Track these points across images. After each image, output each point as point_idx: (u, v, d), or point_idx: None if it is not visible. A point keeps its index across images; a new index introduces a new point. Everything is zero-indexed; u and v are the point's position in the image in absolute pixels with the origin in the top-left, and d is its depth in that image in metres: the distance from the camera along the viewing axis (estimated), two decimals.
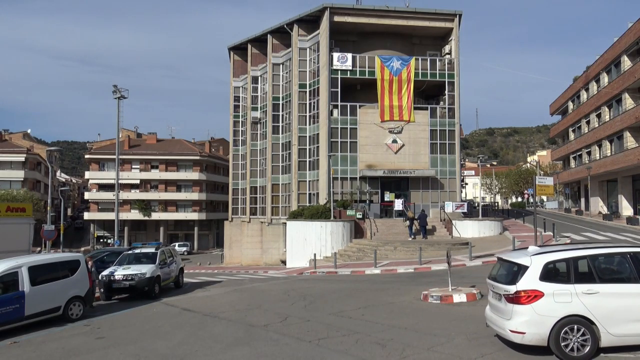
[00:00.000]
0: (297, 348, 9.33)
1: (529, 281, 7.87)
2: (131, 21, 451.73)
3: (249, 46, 47.75)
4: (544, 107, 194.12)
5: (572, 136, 52.37)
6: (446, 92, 38.08)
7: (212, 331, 11.30)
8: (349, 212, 32.89)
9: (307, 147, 40.17)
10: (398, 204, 34.00)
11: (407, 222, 31.16)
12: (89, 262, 16.43)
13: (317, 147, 38.93)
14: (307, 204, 37.93)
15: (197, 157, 71.88)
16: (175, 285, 21.09)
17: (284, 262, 36.03)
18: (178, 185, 72.15)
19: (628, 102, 37.16)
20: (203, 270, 39.63)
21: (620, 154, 37.62)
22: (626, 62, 37.84)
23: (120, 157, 46.74)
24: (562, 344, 7.58)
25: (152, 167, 71.05)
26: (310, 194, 39.55)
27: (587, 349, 7.56)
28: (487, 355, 8.28)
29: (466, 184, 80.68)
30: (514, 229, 32.39)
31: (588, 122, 46.73)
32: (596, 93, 43.91)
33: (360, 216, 32.84)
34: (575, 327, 7.60)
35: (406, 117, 36.70)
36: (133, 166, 70.39)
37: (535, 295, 7.74)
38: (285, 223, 35.00)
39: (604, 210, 42.27)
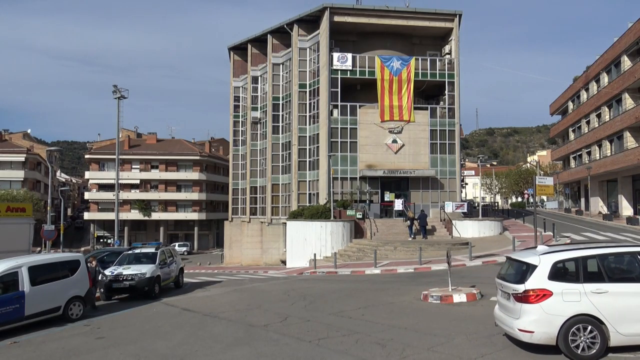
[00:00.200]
0: (297, 348, 9.33)
1: (538, 280, 7.88)
2: (131, 21, 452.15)
3: (249, 46, 47.75)
4: (544, 107, 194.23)
5: (572, 136, 52.37)
6: (446, 92, 38.08)
7: (212, 331, 11.30)
8: (349, 212, 32.89)
9: (307, 147, 40.17)
10: (398, 204, 33.99)
11: (407, 222, 31.15)
12: (94, 262, 16.42)
13: (317, 147, 38.93)
14: (307, 204, 37.93)
15: (197, 157, 71.89)
16: (175, 285, 21.09)
17: (284, 262, 36.03)
18: (178, 185, 72.16)
19: (628, 102, 37.16)
20: (203, 270, 39.63)
21: (620, 154, 37.62)
22: (626, 62, 37.84)
23: (120, 157, 46.75)
24: (571, 343, 7.58)
25: (152, 167, 71.06)
26: (310, 194, 39.55)
27: (596, 348, 7.56)
28: (487, 355, 8.28)
29: (466, 184, 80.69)
30: (514, 229, 32.39)
31: (588, 122, 46.73)
32: (596, 93, 43.91)
33: (360, 216, 32.84)
34: (584, 326, 7.61)
35: (406, 117, 36.70)
36: (133, 166, 70.40)
37: (544, 295, 7.76)
38: (285, 223, 35.00)
39: (604, 210, 42.26)
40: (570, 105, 53.25)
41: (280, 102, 44.29)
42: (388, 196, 35.69)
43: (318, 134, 38.86)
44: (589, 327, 7.60)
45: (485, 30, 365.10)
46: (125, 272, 17.86)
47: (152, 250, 19.80)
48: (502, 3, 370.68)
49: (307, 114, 40.42)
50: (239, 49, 49.91)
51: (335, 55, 36.87)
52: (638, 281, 7.94)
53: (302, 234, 31.12)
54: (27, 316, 12.75)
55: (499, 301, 8.90)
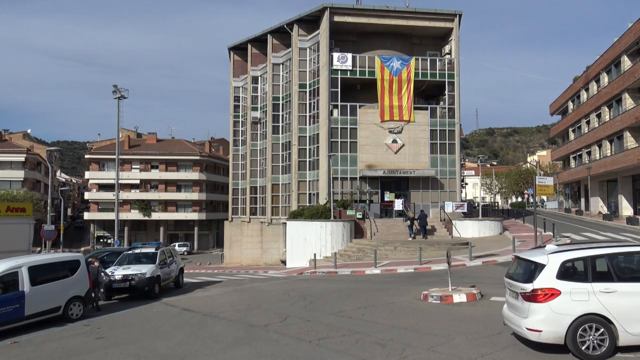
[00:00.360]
0: (297, 348, 9.33)
1: (546, 279, 7.90)
2: (131, 21, 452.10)
3: (249, 46, 47.75)
4: (544, 107, 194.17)
5: (572, 136, 52.36)
6: (446, 92, 38.09)
7: (212, 331, 11.30)
8: (349, 212, 32.89)
9: (307, 147, 40.17)
10: (398, 204, 33.99)
11: (407, 222, 31.16)
12: (96, 263, 16.44)
13: (317, 147, 38.94)
14: (307, 204, 37.93)
15: (197, 157, 71.89)
16: (175, 285, 21.09)
17: (284, 262, 36.03)
18: (178, 185, 72.16)
19: (628, 102, 37.15)
20: (203, 270, 39.63)
21: (620, 154, 37.62)
22: (626, 62, 37.84)
23: (120, 157, 46.75)
24: (579, 342, 7.59)
25: (152, 167, 71.06)
26: (310, 194, 39.55)
27: (605, 347, 7.56)
28: (487, 355, 8.28)
29: (466, 184, 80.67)
30: (514, 229, 32.39)
31: (588, 122, 46.73)
32: (596, 93, 43.91)
33: (360, 216, 32.84)
34: (593, 325, 7.61)
35: (406, 117, 36.70)
36: (133, 166, 70.40)
37: (552, 294, 7.77)
38: (285, 223, 35.00)
39: (604, 210, 42.25)
40: (570, 105, 53.25)
41: (280, 102, 44.29)
42: (388, 196, 35.69)
43: (318, 134, 38.87)
44: (598, 327, 7.60)
45: (485, 30, 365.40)
46: (125, 272, 17.86)
47: (152, 250, 19.80)
48: (502, 3, 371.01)
49: (307, 114, 40.43)
50: (239, 49, 49.92)
51: (335, 55, 36.87)
52: None
53: (302, 234, 31.12)
54: (27, 316, 12.75)
55: (508, 300, 8.92)
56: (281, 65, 44.37)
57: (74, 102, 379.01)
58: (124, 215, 65.06)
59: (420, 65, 37.70)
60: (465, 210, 34.53)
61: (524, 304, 8.03)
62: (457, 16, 38.17)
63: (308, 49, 40.90)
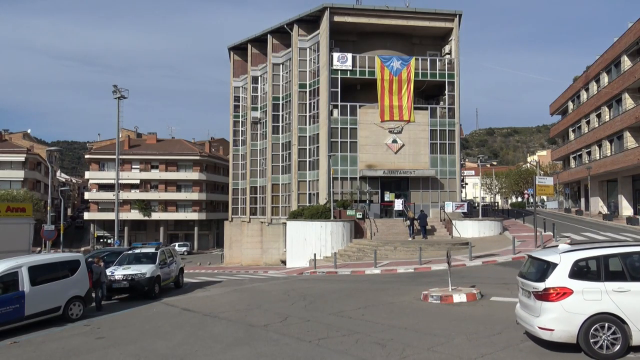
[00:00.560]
0: (297, 348, 9.33)
1: (558, 278, 7.91)
2: (131, 21, 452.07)
3: (249, 46, 47.75)
4: (544, 107, 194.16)
5: (572, 136, 52.36)
6: (446, 92, 38.08)
7: (212, 331, 11.30)
8: (349, 212, 32.89)
9: (307, 147, 40.17)
10: (398, 204, 33.98)
11: (407, 222, 31.16)
12: (101, 263, 16.40)
13: (317, 147, 38.94)
14: (307, 204, 37.93)
15: (197, 157, 71.89)
16: (175, 285, 21.09)
17: (284, 262, 36.03)
18: (178, 185, 72.16)
19: (628, 102, 37.15)
20: (203, 270, 39.63)
21: (620, 154, 37.62)
22: (626, 62, 37.84)
23: (120, 157, 46.75)
24: (592, 341, 7.59)
25: (152, 167, 71.06)
26: (310, 194, 39.55)
27: (618, 347, 7.56)
28: (487, 355, 8.28)
29: (466, 184, 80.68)
30: (514, 229, 32.39)
31: (588, 122, 46.73)
32: (596, 93, 43.90)
33: (360, 216, 32.84)
34: (606, 324, 7.62)
35: (406, 117, 36.71)
36: (133, 166, 70.40)
37: (565, 293, 7.79)
38: (285, 223, 34.99)
39: (604, 210, 42.26)
40: (570, 105, 53.25)
41: (280, 102, 44.29)
42: (388, 196, 35.69)
43: (318, 134, 38.87)
44: (611, 326, 7.60)
45: (485, 30, 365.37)
46: (125, 272, 17.86)
47: (152, 250, 19.80)
48: (502, 3, 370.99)
49: (307, 114, 40.43)
50: (239, 49, 49.91)
51: (335, 55, 36.87)
52: None
53: (302, 234, 31.12)
54: (27, 316, 12.75)
55: (520, 299, 8.95)
56: (281, 65, 44.37)
57: (74, 102, 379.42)
58: (124, 215, 65.06)
59: (420, 65, 37.70)
60: (465, 210, 34.52)
61: (536, 303, 8.05)
62: (457, 16, 38.17)
63: (308, 49, 40.90)
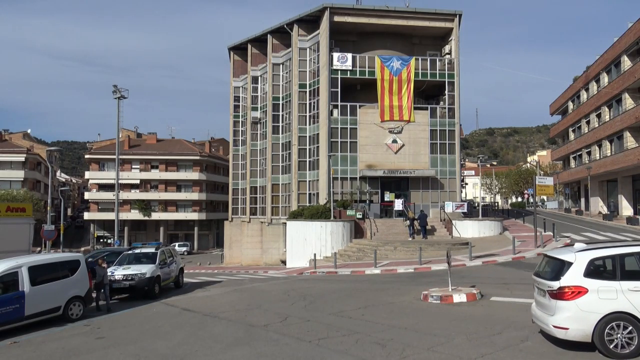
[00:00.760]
0: (297, 348, 9.33)
1: (573, 277, 7.91)
2: (131, 21, 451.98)
3: (249, 46, 47.75)
4: (544, 107, 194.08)
5: (572, 136, 52.36)
6: (446, 92, 38.09)
7: (212, 331, 11.30)
8: (349, 212, 32.89)
9: (307, 147, 40.17)
10: (398, 204, 33.98)
11: (407, 222, 31.15)
12: (104, 264, 16.43)
13: (317, 147, 38.94)
14: (307, 204, 37.93)
15: (197, 157, 71.90)
16: (175, 285, 21.10)
17: (284, 262, 36.03)
18: (178, 185, 72.16)
19: (628, 102, 37.15)
20: (203, 270, 39.64)
21: (620, 154, 37.62)
22: (626, 62, 37.84)
23: (120, 157, 46.75)
24: (607, 340, 7.59)
25: (152, 167, 71.06)
26: (310, 194, 39.55)
27: (634, 346, 7.55)
28: (487, 355, 8.28)
29: (466, 184, 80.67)
30: (514, 229, 32.39)
31: (588, 122, 46.73)
32: (596, 93, 43.90)
33: (360, 216, 32.84)
34: (621, 324, 7.61)
35: (406, 117, 36.71)
36: (133, 166, 70.41)
37: (579, 292, 7.78)
38: (285, 223, 35.00)
39: (604, 210, 42.26)
40: (570, 105, 53.25)
41: (280, 102, 44.29)
42: (388, 196, 35.69)
43: (318, 134, 38.87)
44: (626, 325, 7.60)
45: (485, 30, 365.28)
46: (125, 272, 17.86)
47: (152, 250, 19.80)
48: (502, 3, 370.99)
49: (307, 114, 40.43)
50: (239, 49, 49.92)
51: (335, 55, 36.87)
52: None
53: (302, 234, 31.12)
54: (27, 316, 12.76)
55: (535, 298, 8.95)
56: (281, 65, 44.37)
57: (74, 102, 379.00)
58: (124, 215, 65.06)
59: (420, 65, 37.70)
60: (465, 210, 34.52)
61: (551, 302, 8.04)
62: (457, 16, 38.17)
63: (308, 49, 40.90)
